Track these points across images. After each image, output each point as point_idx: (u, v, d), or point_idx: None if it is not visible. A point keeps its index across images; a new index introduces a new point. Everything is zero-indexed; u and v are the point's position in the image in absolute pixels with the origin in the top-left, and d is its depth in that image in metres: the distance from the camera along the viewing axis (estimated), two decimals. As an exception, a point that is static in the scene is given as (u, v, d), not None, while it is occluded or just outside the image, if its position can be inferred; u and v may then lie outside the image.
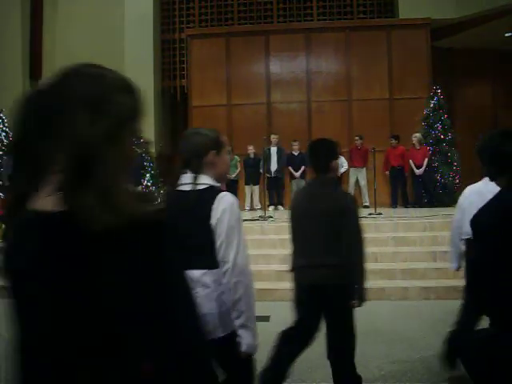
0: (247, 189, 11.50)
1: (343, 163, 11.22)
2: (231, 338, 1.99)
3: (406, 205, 11.00)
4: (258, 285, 6.40)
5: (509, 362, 2.24)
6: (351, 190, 11.32)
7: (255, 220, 8.72)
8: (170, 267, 0.95)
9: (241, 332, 1.98)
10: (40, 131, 0.94)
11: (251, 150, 11.25)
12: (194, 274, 1.98)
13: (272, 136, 11.24)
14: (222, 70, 12.40)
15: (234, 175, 11.57)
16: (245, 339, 1.97)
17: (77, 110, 0.90)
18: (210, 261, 2.01)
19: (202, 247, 2.01)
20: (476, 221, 2.28)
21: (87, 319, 0.88)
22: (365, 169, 11.25)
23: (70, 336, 0.88)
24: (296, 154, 11.23)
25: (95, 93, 0.93)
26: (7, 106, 10.95)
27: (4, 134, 10.78)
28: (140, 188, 11.58)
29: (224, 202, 2.01)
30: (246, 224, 8.33)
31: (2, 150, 10.63)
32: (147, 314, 0.91)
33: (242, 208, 11.50)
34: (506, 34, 12.13)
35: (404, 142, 11.11)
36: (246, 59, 12.41)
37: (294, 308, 3.06)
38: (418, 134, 10.93)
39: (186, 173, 2.10)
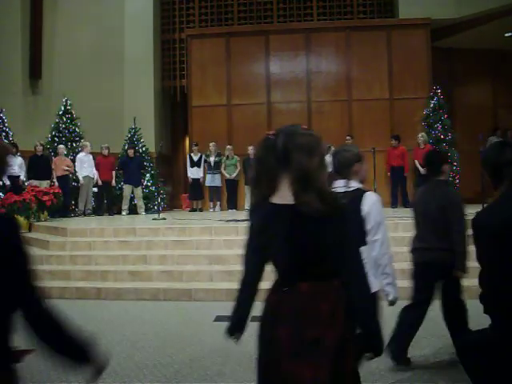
0: (247, 189, 11.48)
1: None
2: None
3: (405, 205, 10.99)
4: (258, 285, 6.39)
5: (508, 362, 2.24)
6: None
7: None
8: (349, 230, 1.90)
9: (388, 288, 2.84)
10: (276, 162, 1.84)
11: (251, 150, 11.25)
12: None
13: (272, 136, 11.23)
14: (222, 70, 12.40)
15: (234, 175, 11.57)
16: (391, 293, 2.85)
17: (302, 152, 1.81)
18: (361, 239, 2.76)
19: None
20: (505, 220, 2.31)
21: (310, 247, 1.80)
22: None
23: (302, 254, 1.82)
24: None
25: (311, 143, 1.85)
26: (7, 105, 10.94)
27: (4, 134, 10.77)
28: (140, 188, 11.56)
29: (370, 198, 2.83)
30: (246, 224, 8.32)
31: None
32: (339, 247, 1.82)
33: (241, 208, 11.49)
34: (506, 34, 12.13)
35: (404, 142, 11.12)
36: (246, 59, 12.41)
37: (412, 283, 3.97)
38: (424, 134, 10.93)
39: (338, 179, 2.91)
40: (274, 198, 1.86)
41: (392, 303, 2.88)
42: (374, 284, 2.73)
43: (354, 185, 2.86)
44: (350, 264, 1.87)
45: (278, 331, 1.78)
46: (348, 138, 11.24)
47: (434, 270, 3.74)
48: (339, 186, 2.86)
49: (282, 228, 1.81)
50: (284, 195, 1.84)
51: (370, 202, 2.80)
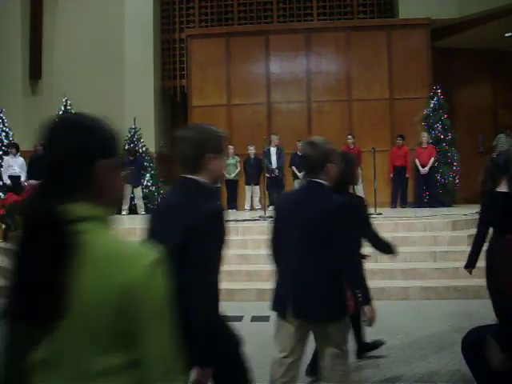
0: (247, 189, 11.49)
1: None
2: None
3: (402, 205, 11.00)
4: (258, 285, 6.38)
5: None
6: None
7: (255, 220, 8.71)
8: None
9: None
10: (498, 170, 3.49)
11: (252, 150, 11.25)
12: None
13: (272, 136, 11.24)
14: (222, 70, 12.40)
15: (233, 175, 11.58)
16: None
17: None
18: None
19: None
20: None
21: None
22: (359, 168, 11.16)
23: None
24: (300, 154, 11.18)
25: (506, 159, 3.53)
26: (7, 105, 10.95)
27: (4, 134, 10.78)
28: (140, 188, 11.56)
29: None
30: (246, 224, 8.33)
31: (2, 150, 10.64)
32: None
33: (242, 208, 11.49)
34: (506, 34, 12.12)
35: (404, 142, 11.12)
36: (246, 59, 12.40)
37: None
38: (426, 133, 10.92)
39: None
40: (498, 188, 3.43)
41: None
42: None
43: None
44: None
45: (495, 261, 3.29)
46: (349, 137, 11.22)
47: None
48: None
49: (499, 203, 3.32)
50: (502, 187, 3.41)
51: None
